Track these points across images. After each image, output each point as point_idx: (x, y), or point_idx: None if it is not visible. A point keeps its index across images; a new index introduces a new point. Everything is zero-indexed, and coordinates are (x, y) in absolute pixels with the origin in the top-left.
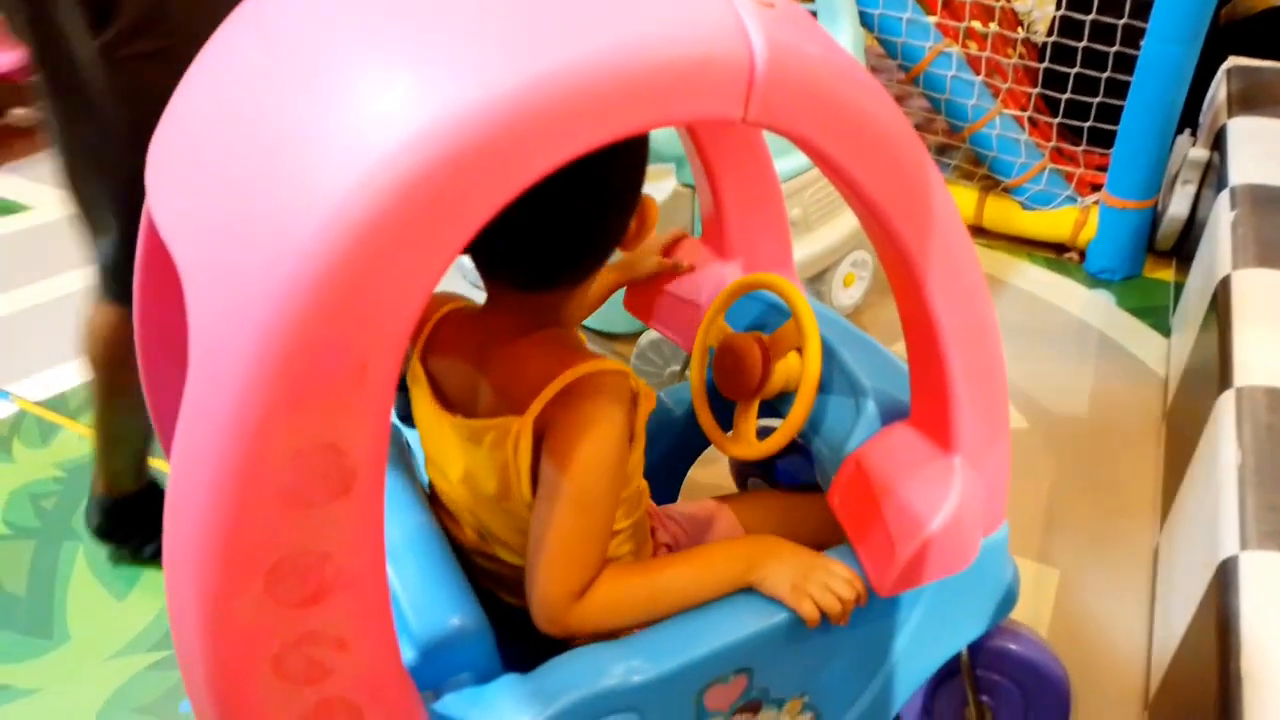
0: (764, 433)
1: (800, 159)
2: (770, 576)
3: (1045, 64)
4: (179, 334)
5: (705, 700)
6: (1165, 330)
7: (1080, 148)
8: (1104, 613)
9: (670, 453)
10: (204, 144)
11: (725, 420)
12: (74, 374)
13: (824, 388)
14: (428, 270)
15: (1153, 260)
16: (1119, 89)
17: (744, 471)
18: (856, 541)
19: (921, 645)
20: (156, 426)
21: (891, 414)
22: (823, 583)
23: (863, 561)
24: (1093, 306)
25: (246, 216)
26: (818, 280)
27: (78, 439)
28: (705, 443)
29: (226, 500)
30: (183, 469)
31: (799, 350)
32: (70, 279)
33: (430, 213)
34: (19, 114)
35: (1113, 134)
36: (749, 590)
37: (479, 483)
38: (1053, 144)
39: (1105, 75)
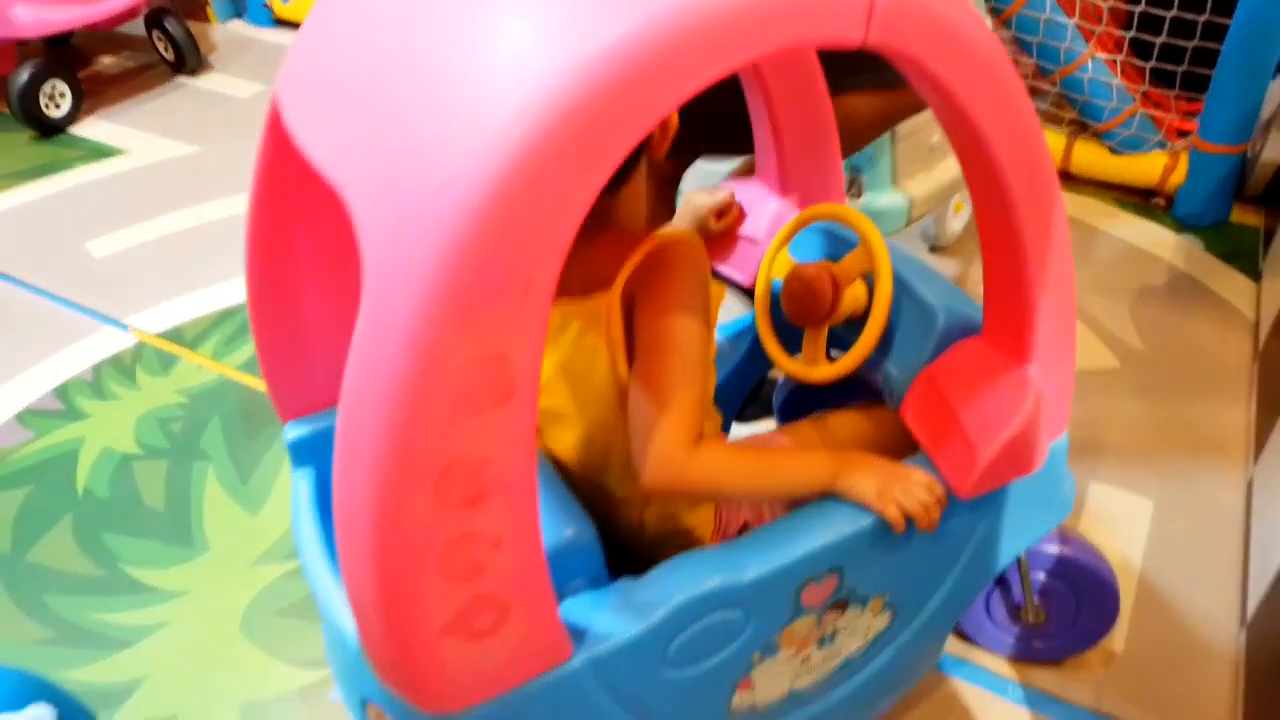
0: None
1: None
2: (858, 484)
3: (1140, 7)
4: (294, 259)
5: (802, 598)
6: (1255, 275)
7: (1172, 93)
8: (1198, 542)
9: (721, 388)
10: (355, 76)
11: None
12: (187, 308)
13: (892, 310)
14: (586, 190)
15: (1240, 206)
16: (1214, 33)
17: (792, 411)
18: (934, 451)
19: (991, 547)
20: (268, 376)
21: (960, 332)
22: (906, 489)
23: (941, 469)
24: (1181, 251)
25: (414, 145)
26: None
27: (196, 368)
28: (754, 379)
29: (404, 409)
30: (360, 382)
31: (864, 278)
32: (170, 220)
33: (588, 138)
34: (108, 62)
35: (1204, 79)
36: (838, 498)
37: (574, 373)
38: (1144, 88)
39: (1202, 19)
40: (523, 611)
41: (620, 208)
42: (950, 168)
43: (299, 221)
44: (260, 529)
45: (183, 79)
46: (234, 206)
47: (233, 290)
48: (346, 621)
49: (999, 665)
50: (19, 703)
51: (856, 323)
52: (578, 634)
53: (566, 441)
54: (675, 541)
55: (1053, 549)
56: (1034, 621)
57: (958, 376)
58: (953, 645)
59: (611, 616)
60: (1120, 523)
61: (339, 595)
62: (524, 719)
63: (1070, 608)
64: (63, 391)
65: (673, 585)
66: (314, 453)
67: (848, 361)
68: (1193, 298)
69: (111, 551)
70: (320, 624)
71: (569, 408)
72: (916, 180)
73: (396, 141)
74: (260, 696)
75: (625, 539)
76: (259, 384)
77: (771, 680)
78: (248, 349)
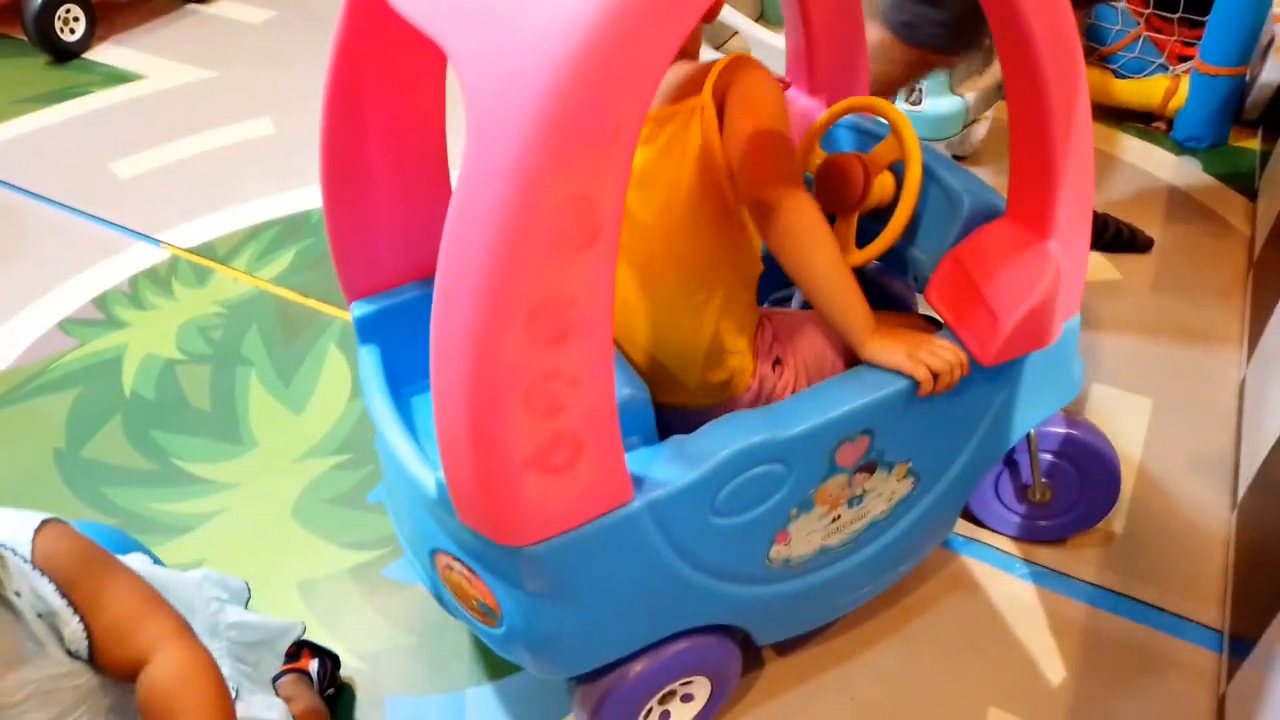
0: None
1: None
2: (888, 347)
3: None
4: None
5: (836, 457)
6: (1251, 194)
7: (1175, 16)
8: (1194, 435)
9: None
10: None
11: None
12: (216, 225)
13: (919, 198)
14: (669, 44)
15: (1238, 130)
16: None
17: None
18: (958, 325)
19: (1007, 419)
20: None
21: (984, 216)
22: (933, 350)
23: (965, 340)
24: (1180, 172)
25: (514, 3)
26: None
27: (231, 281)
28: (780, 280)
29: (502, 246)
30: (461, 225)
31: (891, 169)
32: (193, 142)
33: None
34: None
35: (1207, 5)
36: (870, 367)
37: (658, 177)
38: (1148, 12)
39: None
40: (595, 451)
41: (692, 43)
42: (998, 71)
43: (371, 109)
44: (305, 427)
45: (193, 5)
46: (255, 130)
47: (261, 208)
48: (422, 474)
49: (1004, 544)
50: (119, 551)
51: (883, 213)
52: (637, 481)
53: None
54: (715, 387)
55: (1060, 430)
56: (1039, 500)
57: (982, 255)
58: (961, 526)
59: (667, 466)
60: (1121, 419)
61: (413, 453)
62: (588, 555)
63: (1074, 488)
64: (101, 302)
65: (722, 439)
66: (377, 329)
67: (879, 244)
68: (1191, 216)
69: (163, 448)
70: (366, 511)
71: (645, 216)
72: (970, 84)
73: (497, 2)
74: (315, 575)
75: (668, 406)
76: (294, 295)
77: (805, 535)
78: (281, 263)
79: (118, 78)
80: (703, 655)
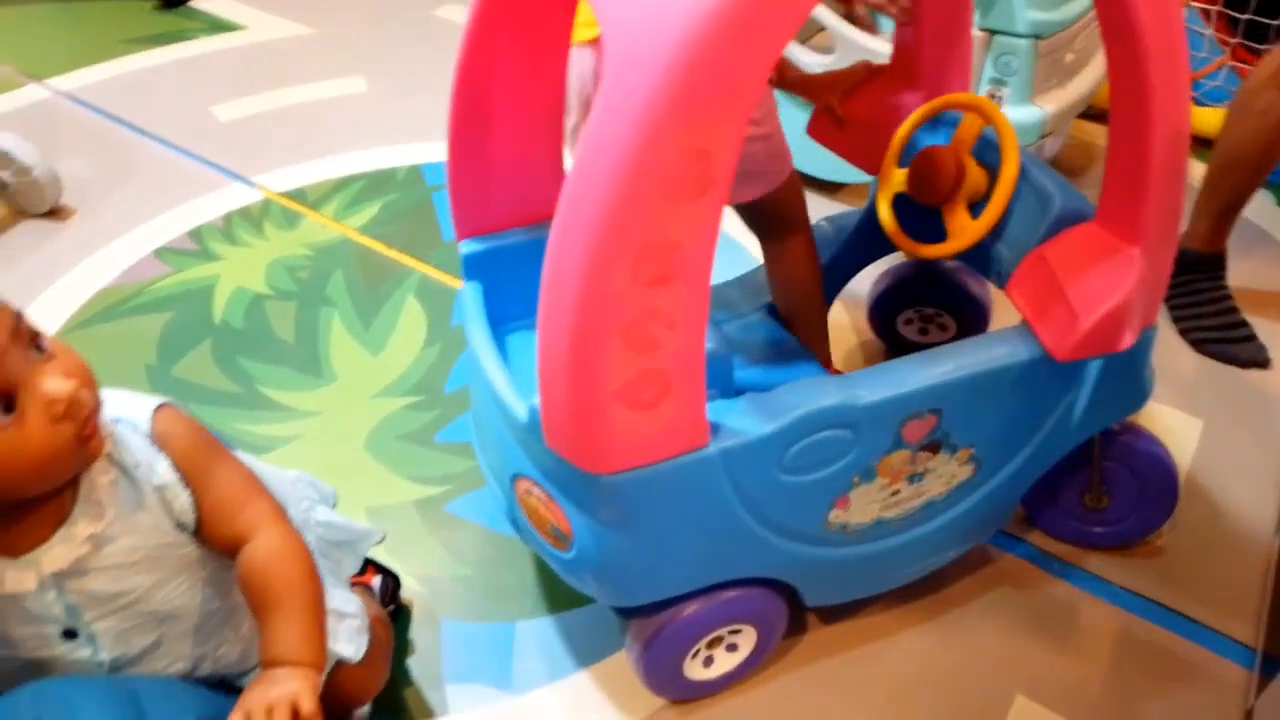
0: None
1: (1078, 6)
2: None
3: None
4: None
5: (904, 431)
6: None
7: (1263, 46)
8: (1243, 457)
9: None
10: None
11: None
12: (307, 173)
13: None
14: (800, 13)
15: None
16: None
17: (887, 304)
18: (1035, 320)
19: (1074, 418)
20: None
21: (1073, 218)
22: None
23: (1041, 335)
24: (1252, 204)
25: None
26: None
27: (320, 227)
28: (851, 270)
29: (621, 187)
30: (586, 163)
31: (985, 166)
32: (290, 93)
33: None
34: None
35: None
36: (949, 346)
37: None
38: (1235, 41)
39: None
40: (680, 392)
41: None
42: (1078, 86)
43: (502, 65)
44: (381, 367)
45: None
46: (348, 87)
47: (350, 161)
48: (513, 401)
49: (1053, 547)
50: None
51: (975, 207)
52: (714, 428)
53: None
54: None
55: (1125, 437)
56: (1096, 506)
57: (1067, 255)
58: (1012, 525)
59: (743, 418)
60: (1172, 436)
61: (506, 381)
62: (660, 492)
63: (1132, 497)
64: (197, 235)
65: (797, 399)
66: (482, 267)
67: (968, 237)
68: (1259, 248)
69: (247, 373)
70: (433, 450)
71: None
72: (1051, 96)
73: None
74: (383, 503)
75: None
76: (377, 245)
77: (864, 504)
78: (367, 214)
79: (220, 26)
80: (753, 606)
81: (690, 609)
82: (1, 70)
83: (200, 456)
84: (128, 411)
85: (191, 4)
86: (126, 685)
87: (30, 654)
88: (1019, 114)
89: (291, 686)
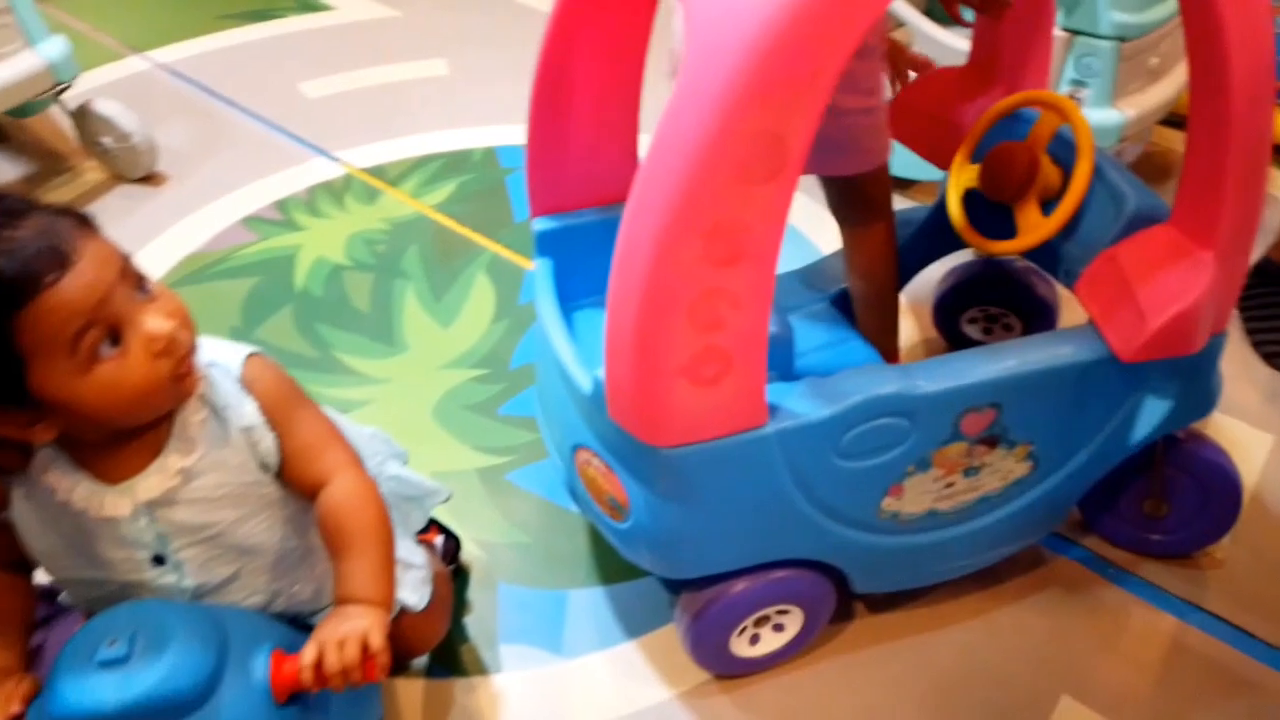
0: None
1: (1164, 10)
2: None
3: None
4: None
5: (962, 424)
6: None
7: None
8: None
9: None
10: None
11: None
12: (388, 151)
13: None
14: (878, 5)
15: None
16: None
17: (951, 303)
18: (1102, 320)
19: (1137, 420)
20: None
21: (1146, 219)
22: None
23: (1107, 335)
24: None
25: None
26: None
27: (398, 203)
28: (915, 267)
29: (696, 167)
30: (663, 142)
31: (1059, 163)
32: (375, 73)
33: None
34: None
35: None
36: (1012, 342)
37: None
38: None
39: None
40: (741, 370)
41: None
42: (1161, 91)
43: (584, 50)
44: (451, 340)
45: None
46: (430, 69)
47: (429, 141)
48: (579, 373)
49: (1109, 552)
50: None
51: (1048, 204)
52: (772, 409)
53: None
54: None
55: (1189, 445)
56: (1155, 513)
57: (1139, 256)
58: (1068, 528)
59: (801, 401)
60: (1240, 450)
61: (572, 353)
62: (717, 468)
63: (1194, 505)
64: (282, 205)
65: (855, 385)
66: (554, 244)
67: (1038, 233)
68: None
69: (325, 339)
70: (497, 421)
71: None
72: (1132, 100)
73: None
74: (447, 469)
75: None
76: (452, 223)
77: (918, 494)
78: (443, 191)
79: (310, 6)
80: (801, 588)
81: (739, 586)
82: (105, 42)
83: (286, 403)
84: (221, 357)
85: None
86: (211, 611)
87: (122, 577)
88: (1098, 116)
89: (362, 623)
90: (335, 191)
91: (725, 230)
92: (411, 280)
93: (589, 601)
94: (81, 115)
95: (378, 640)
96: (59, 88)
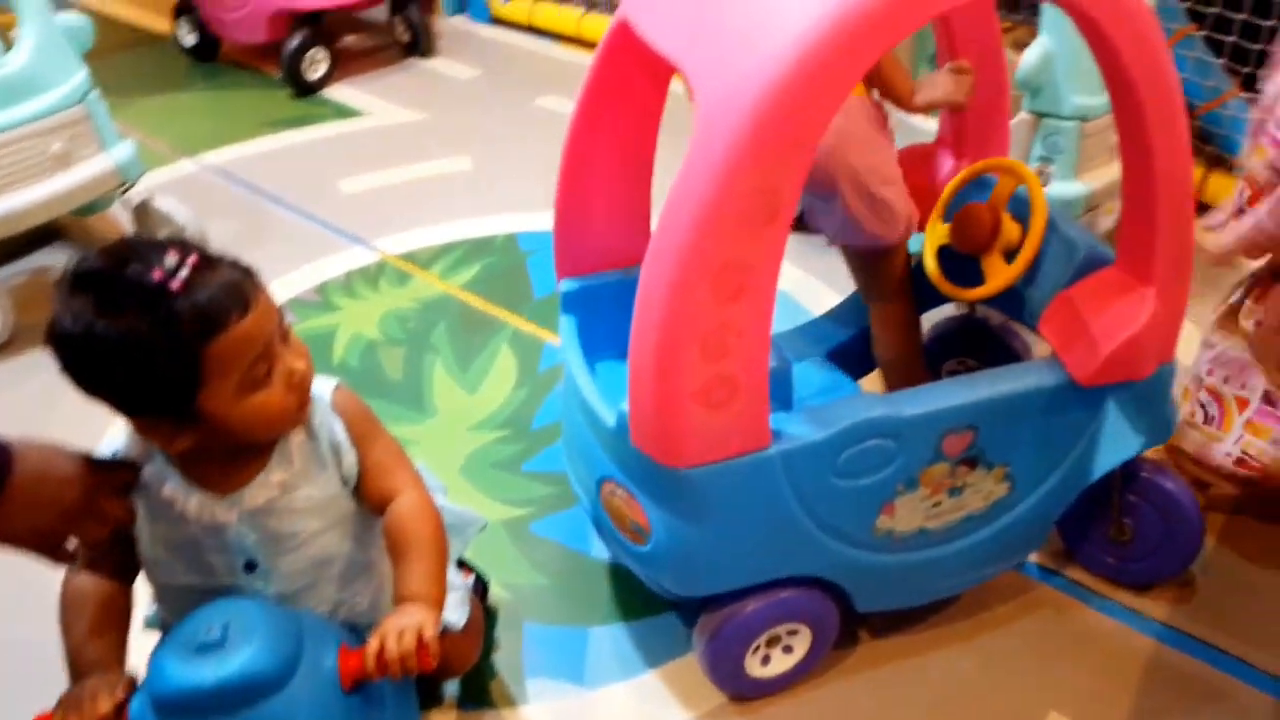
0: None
1: None
2: None
3: None
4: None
5: (943, 445)
6: None
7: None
8: None
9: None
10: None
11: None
12: (418, 238)
13: (1041, 246)
14: (851, 80)
15: None
16: None
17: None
18: (1063, 350)
19: (1099, 446)
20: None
21: (1095, 264)
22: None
23: (1067, 362)
24: None
25: (741, 40)
26: None
27: (427, 285)
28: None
29: (705, 218)
30: (677, 199)
31: (1018, 220)
32: (405, 170)
33: (854, 44)
34: (350, 40)
35: None
36: (986, 372)
37: None
38: (1247, 70)
39: None
40: (746, 394)
41: None
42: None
43: (605, 132)
44: (477, 404)
45: (414, 60)
46: (456, 165)
47: (456, 229)
48: (603, 410)
49: (1089, 580)
50: None
51: (1009, 256)
52: (775, 434)
53: None
54: None
55: (1150, 475)
56: (1117, 539)
57: (1090, 295)
58: (1050, 558)
59: (800, 426)
60: None
61: (597, 394)
62: (727, 485)
63: (1156, 535)
64: (321, 289)
65: (847, 411)
66: (578, 302)
67: (1002, 280)
68: None
69: None
70: (521, 477)
71: None
72: (1095, 173)
73: (729, 37)
74: None
75: None
76: (477, 301)
77: (909, 513)
78: (468, 274)
79: (346, 112)
80: (808, 605)
81: (751, 605)
82: (159, 147)
83: (365, 425)
84: (314, 386)
85: (322, 93)
86: (289, 612)
87: (219, 580)
88: (1064, 189)
89: (418, 618)
90: (370, 276)
91: (731, 269)
92: (440, 353)
93: (609, 637)
94: (141, 211)
95: (430, 631)
96: (125, 186)
